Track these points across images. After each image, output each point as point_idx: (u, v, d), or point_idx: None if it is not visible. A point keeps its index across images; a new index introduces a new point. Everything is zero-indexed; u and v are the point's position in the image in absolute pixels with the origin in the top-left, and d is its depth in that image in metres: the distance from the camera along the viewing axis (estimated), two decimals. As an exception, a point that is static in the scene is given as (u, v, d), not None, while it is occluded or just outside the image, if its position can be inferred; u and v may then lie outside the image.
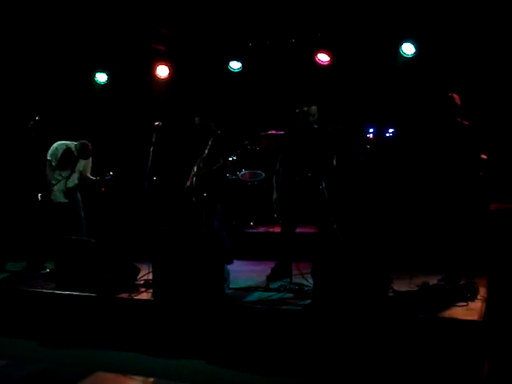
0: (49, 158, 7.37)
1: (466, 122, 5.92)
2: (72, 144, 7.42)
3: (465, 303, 5.24)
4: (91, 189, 7.77)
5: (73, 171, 7.41)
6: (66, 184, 7.35)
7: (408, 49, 8.22)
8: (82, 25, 8.64)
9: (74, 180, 7.43)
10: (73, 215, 7.42)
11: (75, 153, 7.37)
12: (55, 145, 7.42)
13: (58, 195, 7.33)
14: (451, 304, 5.23)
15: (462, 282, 5.62)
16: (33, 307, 6.33)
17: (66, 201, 7.35)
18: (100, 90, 10.01)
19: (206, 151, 7.16)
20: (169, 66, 9.80)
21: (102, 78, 9.90)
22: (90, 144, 7.37)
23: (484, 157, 5.93)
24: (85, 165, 7.51)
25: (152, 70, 9.82)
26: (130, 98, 10.03)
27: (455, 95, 5.98)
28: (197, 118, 7.30)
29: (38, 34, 8.78)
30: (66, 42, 9.08)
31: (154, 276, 5.91)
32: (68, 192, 7.36)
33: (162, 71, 9.81)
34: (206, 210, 7.14)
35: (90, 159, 7.55)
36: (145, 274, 6.44)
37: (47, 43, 9.05)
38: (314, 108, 6.46)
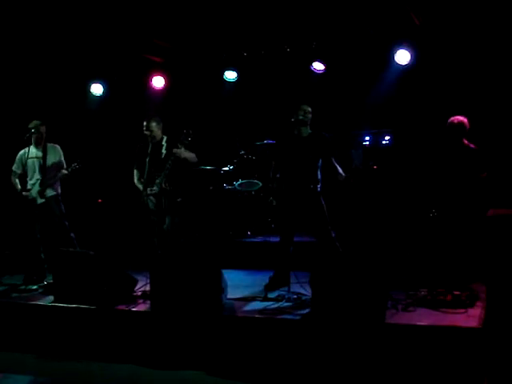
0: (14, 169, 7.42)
1: (473, 145, 6.19)
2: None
3: (464, 310, 5.24)
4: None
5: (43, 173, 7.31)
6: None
7: (403, 56, 8.23)
8: (79, 37, 8.64)
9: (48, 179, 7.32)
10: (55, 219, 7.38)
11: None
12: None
13: (36, 196, 7.29)
14: (450, 311, 5.23)
15: (461, 289, 5.61)
16: (31, 320, 6.29)
17: (43, 200, 7.28)
18: (96, 101, 10.03)
19: (163, 153, 6.72)
20: (164, 76, 9.84)
21: (97, 89, 9.94)
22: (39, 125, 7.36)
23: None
24: (55, 160, 7.40)
25: (148, 80, 9.86)
26: (126, 108, 10.04)
27: (465, 120, 6.12)
28: (145, 123, 6.77)
29: (35, 45, 8.79)
30: (62, 53, 9.09)
31: (151, 287, 5.89)
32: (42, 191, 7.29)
33: (158, 82, 9.85)
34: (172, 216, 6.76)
35: (61, 156, 7.45)
36: (142, 285, 6.43)
37: (43, 55, 9.06)
38: (308, 109, 6.35)
